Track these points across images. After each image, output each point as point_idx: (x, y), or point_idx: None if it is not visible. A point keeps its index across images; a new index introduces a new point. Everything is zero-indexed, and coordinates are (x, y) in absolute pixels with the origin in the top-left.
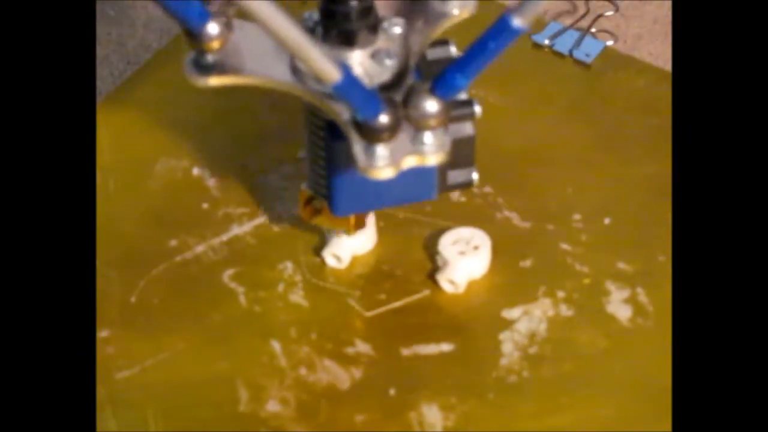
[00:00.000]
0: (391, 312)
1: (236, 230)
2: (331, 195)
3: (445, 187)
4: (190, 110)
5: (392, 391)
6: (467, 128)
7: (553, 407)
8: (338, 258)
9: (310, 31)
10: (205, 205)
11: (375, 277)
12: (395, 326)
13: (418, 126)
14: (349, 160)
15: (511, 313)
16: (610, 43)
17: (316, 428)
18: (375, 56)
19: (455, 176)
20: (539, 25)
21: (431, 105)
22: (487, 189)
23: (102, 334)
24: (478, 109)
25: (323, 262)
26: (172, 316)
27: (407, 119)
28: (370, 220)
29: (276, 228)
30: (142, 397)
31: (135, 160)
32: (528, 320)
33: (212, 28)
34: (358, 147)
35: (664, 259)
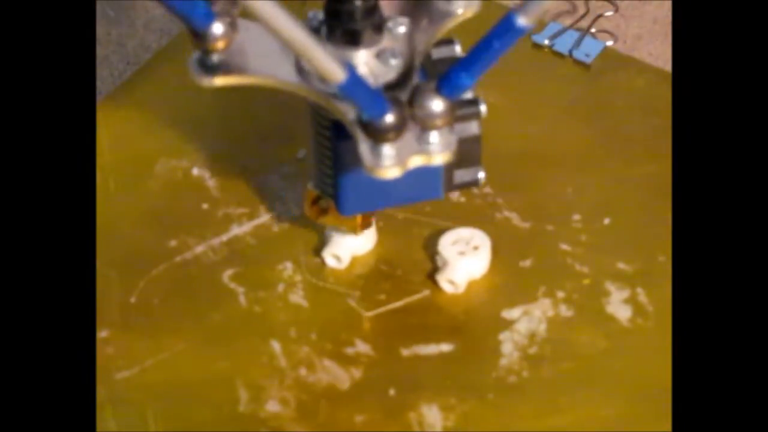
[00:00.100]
0: (390, 312)
1: (236, 230)
2: (338, 195)
3: (452, 187)
4: (190, 110)
5: (392, 392)
6: (473, 127)
7: (553, 407)
8: (338, 258)
9: (315, 30)
10: (205, 206)
11: (375, 277)
12: (395, 326)
13: (424, 125)
14: (356, 159)
15: (511, 313)
16: (609, 43)
17: (315, 428)
18: (380, 56)
19: (461, 175)
20: (539, 25)
21: (437, 104)
22: (487, 189)
23: (102, 334)
24: (483, 108)
25: (323, 263)
26: (172, 316)
27: (413, 119)
28: None
29: (276, 228)
30: (141, 398)
31: (135, 160)
32: (528, 320)
33: (217, 28)
34: (364, 146)
35: (664, 259)
